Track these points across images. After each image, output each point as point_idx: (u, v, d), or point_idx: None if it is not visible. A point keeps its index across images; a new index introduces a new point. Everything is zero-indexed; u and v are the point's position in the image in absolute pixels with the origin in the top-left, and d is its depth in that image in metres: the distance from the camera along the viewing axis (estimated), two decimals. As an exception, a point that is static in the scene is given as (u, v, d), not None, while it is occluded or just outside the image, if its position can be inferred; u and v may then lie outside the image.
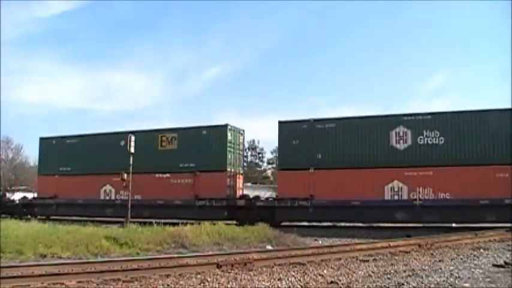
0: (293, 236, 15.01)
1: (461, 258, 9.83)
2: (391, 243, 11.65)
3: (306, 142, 20.30)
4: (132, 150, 19.08)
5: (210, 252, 11.04)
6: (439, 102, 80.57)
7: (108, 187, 24.40)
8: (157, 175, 22.93)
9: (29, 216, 23.63)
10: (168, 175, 22.91)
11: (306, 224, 20.16)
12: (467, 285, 6.92)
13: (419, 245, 11.53)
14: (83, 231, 13.31)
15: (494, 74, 73.76)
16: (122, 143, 21.47)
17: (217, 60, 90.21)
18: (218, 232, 14.41)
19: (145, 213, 21.63)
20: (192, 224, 15.25)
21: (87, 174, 24.59)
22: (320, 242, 15.00)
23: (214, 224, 15.15)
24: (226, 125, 22.42)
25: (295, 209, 19.86)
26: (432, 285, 6.83)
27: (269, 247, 12.92)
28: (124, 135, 21.29)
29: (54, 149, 26.44)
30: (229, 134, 22.32)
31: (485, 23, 75.32)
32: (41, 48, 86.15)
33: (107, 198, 24.37)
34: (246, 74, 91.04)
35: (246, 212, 20.68)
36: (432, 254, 10.52)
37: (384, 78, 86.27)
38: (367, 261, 9.42)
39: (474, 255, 10.29)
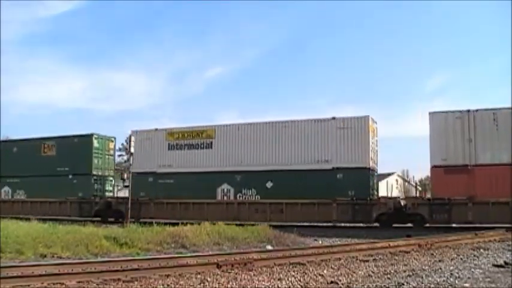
0: (293, 236, 14.98)
1: (461, 258, 9.84)
2: (391, 243, 11.63)
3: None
4: (132, 150, 19.08)
5: (210, 252, 11.02)
6: (440, 102, 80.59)
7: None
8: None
9: None
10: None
11: (306, 224, 20.27)
12: (467, 285, 6.92)
13: (419, 245, 11.51)
14: (83, 231, 13.30)
15: (495, 73, 73.78)
16: None
17: (218, 60, 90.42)
18: (218, 232, 14.39)
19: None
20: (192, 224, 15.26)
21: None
22: (320, 242, 14.95)
23: (214, 224, 15.16)
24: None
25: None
26: (432, 285, 6.84)
27: (269, 247, 12.89)
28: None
29: None
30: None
31: (485, 23, 75.42)
32: (42, 48, 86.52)
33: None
34: (246, 74, 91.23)
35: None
36: (432, 254, 10.52)
37: (385, 78, 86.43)
38: (367, 261, 9.42)
39: (474, 255, 10.29)
